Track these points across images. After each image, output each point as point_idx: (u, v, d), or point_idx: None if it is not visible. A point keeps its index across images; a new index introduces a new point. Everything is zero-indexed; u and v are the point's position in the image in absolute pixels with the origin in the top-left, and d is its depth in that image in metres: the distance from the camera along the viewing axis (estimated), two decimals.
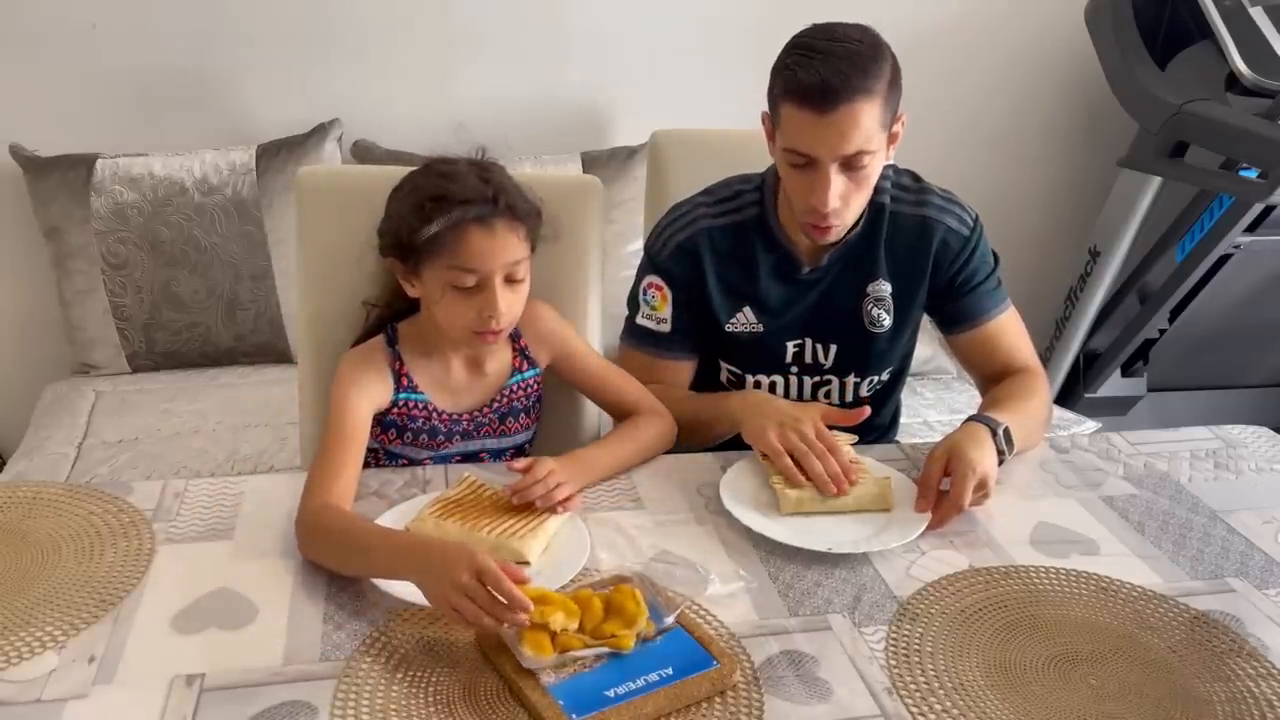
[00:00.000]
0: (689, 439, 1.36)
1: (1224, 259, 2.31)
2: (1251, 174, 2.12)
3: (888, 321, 1.41)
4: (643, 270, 1.45)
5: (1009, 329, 1.43)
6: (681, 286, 1.41)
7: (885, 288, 1.40)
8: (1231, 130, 2.09)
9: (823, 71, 1.17)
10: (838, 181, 1.23)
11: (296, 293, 1.49)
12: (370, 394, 1.25)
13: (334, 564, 1.05)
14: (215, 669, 0.90)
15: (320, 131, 2.28)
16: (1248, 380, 2.85)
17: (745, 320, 1.42)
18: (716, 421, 1.35)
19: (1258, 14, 2.22)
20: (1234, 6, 2.24)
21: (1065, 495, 1.26)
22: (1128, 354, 2.58)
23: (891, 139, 1.28)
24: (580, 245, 1.47)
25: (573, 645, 0.91)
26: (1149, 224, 2.50)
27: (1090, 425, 2.17)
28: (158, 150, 2.20)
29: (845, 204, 1.26)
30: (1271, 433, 1.43)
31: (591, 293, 1.49)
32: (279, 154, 2.23)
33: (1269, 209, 2.17)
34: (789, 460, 1.19)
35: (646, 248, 1.47)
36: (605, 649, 0.91)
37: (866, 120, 1.19)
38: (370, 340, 1.32)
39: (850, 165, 1.23)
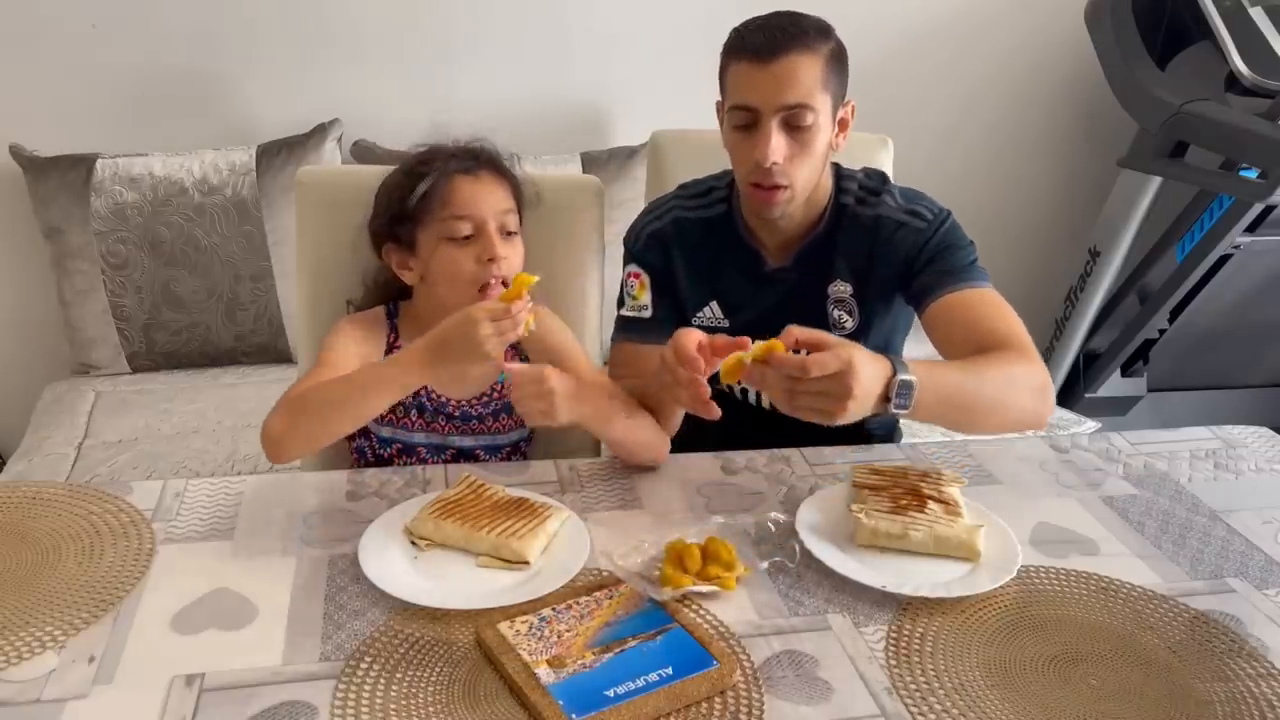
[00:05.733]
0: (657, 406, 1.31)
1: (1224, 259, 2.32)
2: (1251, 174, 2.12)
3: (850, 324, 1.40)
4: (624, 262, 1.47)
5: (984, 301, 1.30)
6: (656, 272, 1.43)
7: (845, 288, 1.39)
8: (1231, 130, 2.09)
9: (765, 28, 1.26)
10: (779, 138, 1.26)
11: (296, 293, 1.49)
12: (360, 353, 1.29)
13: (326, 423, 1.15)
14: (215, 669, 0.90)
15: (320, 131, 2.28)
16: (1248, 380, 2.86)
17: (711, 315, 1.44)
18: (657, 388, 1.28)
19: (1258, 14, 2.23)
20: (1234, 6, 2.24)
21: (1065, 495, 1.26)
22: (1128, 354, 2.59)
23: (841, 126, 1.33)
24: (580, 245, 1.47)
25: (684, 584, 1.01)
26: (1149, 224, 2.50)
27: (1090, 425, 2.17)
28: (158, 150, 2.21)
29: (790, 167, 1.27)
30: (1271, 433, 1.43)
31: (591, 293, 1.49)
32: (279, 154, 2.23)
33: (1269, 209, 2.17)
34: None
35: (625, 242, 1.48)
36: (714, 588, 1.02)
37: (806, 74, 1.24)
38: (373, 309, 1.35)
39: (792, 124, 1.26)
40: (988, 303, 1.30)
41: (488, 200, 1.26)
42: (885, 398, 1.06)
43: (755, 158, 1.27)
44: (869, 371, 1.03)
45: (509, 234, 1.28)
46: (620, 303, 1.46)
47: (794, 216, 1.35)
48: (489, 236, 1.25)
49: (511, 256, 1.27)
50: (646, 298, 1.44)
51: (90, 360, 2.22)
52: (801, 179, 1.29)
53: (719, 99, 1.34)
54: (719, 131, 1.35)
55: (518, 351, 1.37)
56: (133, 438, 1.97)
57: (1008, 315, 1.29)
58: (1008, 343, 1.24)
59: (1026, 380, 1.21)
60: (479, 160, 1.29)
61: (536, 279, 1.14)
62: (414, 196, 1.26)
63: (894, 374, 1.06)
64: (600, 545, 1.10)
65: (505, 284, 1.25)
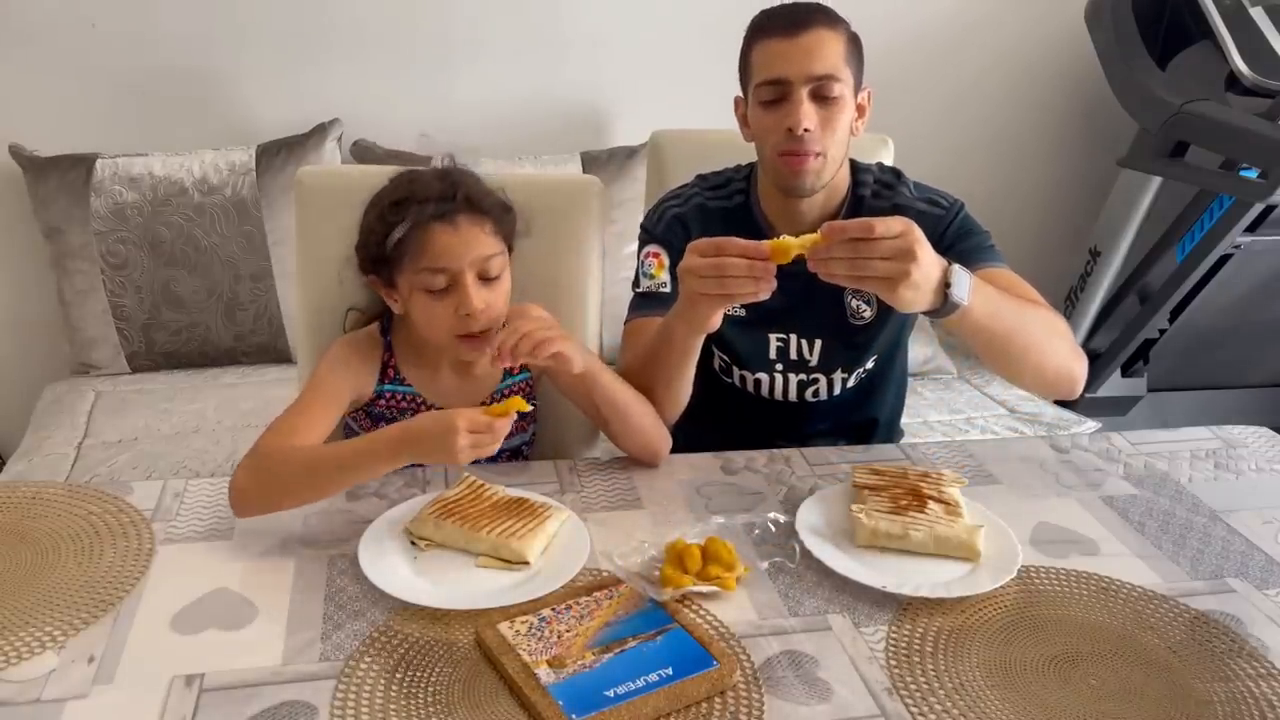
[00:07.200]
0: (665, 367, 1.30)
1: (1224, 259, 2.31)
2: (1251, 174, 2.12)
3: (868, 313, 1.41)
4: (641, 244, 1.47)
5: (1008, 278, 1.32)
6: (677, 252, 1.41)
7: None
8: (1231, 130, 2.09)
9: (788, 9, 1.31)
10: (809, 106, 1.28)
11: (296, 293, 1.49)
12: (353, 380, 1.27)
13: (288, 493, 1.11)
14: (215, 669, 0.90)
15: (320, 131, 2.28)
16: (1248, 380, 2.85)
17: None
18: (673, 323, 1.27)
19: (1258, 14, 2.22)
20: (1234, 6, 2.24)
21: (1065, 495, 1.26)
22: (1128, 354, 2.58)
23: (859, 112, 1.34)
24: (580, 245, 1.47)
25: (684, 584, 1.01)
26: (1149, 224, 2.50)
27: (1090, 425, 2.17)
28: (158, 150, 2.21)
29: (820, 135, 1.29)
30: (1271, 433, 1.43)
31: (591, 293, 1.49)
32: (279, 154, 2.23)
33: (1269, 209, 2.17)
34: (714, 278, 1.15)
35: (643, 225, 1.48)
36: (714, 589, 1.02)
37: (832, 48, 1.28)
38: (367, 327, 1.33)
39: (820, 95, 1.28)
40: (1012, 280, 1.33)
41: (464, 250, 1.18)
42: (944, 284, 1.10)
43: (787, 124, 1.28)
44: (929, 247, 1.08)
45: (490, 279, 1.21)
46: (636, 284, 1.45)
47: (815, 203, 1.36)
48: (465, 289, 1.18)
49: (493, 302, 1.21)
50: (665, 275, 1.44)
51: (90, 360, 2.22)
52: (832, 148, 1.31)
53: (738, 94, 1.36)
54: (719, 131, 1.35)
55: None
56: (132, 438, 1.97)
57: (1033, 292, 1.32)
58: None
59: (1066, 333, 1.28)
60: (455, 202, 1.19)
61: (530, 408, 1.17)
62: (389, 242, 1.20)
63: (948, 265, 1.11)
64: (600, 545, 1.10)
65: (485, 327, 1.20)
